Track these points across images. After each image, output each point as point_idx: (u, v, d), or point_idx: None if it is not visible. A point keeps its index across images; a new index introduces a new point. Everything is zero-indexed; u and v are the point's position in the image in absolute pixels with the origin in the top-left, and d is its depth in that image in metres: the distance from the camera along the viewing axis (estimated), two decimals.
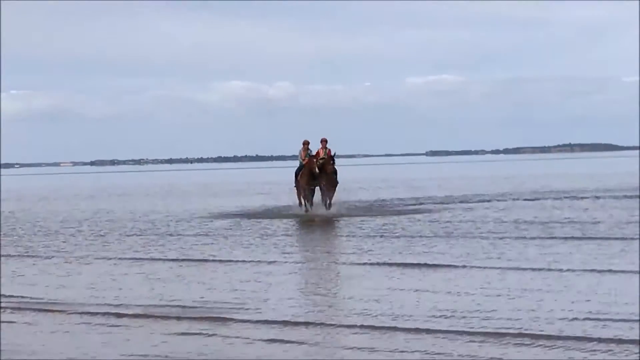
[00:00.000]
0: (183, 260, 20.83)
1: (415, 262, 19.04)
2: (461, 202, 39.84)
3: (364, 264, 19.31)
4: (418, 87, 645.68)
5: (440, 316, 12.94)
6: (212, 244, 24.46)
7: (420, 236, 24.47)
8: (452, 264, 18.56)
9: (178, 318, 13.45)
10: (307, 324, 12.69)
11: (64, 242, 26.12)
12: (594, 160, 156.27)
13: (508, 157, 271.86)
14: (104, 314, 14.06)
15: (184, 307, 14.36)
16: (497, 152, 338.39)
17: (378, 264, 19.05)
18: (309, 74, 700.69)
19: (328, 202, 34.34)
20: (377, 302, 14.25)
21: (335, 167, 34.36)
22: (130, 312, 14.10)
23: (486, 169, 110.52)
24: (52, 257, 22.29)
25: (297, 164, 35.49)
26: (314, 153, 34.55)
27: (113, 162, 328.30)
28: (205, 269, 19.21)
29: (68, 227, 31.86)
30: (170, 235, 27.23)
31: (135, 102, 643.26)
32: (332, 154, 34.39)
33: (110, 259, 21.49)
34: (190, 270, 19.08)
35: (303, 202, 34.58)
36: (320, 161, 34.09)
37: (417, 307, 13.75)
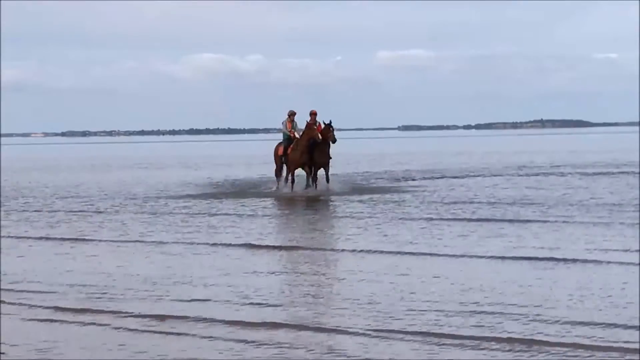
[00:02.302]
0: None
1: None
2: (453, 177, 39.41)
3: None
4: (389, 62, 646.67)
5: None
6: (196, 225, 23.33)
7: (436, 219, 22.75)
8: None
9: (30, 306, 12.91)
10: (157, 316, 12.04)
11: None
12: (569, 136, 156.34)
13: (480, 132, 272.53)
14: None
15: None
16: (469, 127, 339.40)
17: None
18: (281, 48, 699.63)
19: (325, 176, 31.39)
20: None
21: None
22: None
23: (463, 144, 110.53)
24: None
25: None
26: (299, 126, 31.64)
27: (84, 134, 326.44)
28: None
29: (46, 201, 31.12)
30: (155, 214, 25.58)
31: (107, 74, 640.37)
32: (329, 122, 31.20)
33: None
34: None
35: (289, 179, 31.62)
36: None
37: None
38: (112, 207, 27.79)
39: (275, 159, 32.60)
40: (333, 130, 31.09)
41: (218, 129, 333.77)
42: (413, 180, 38.01)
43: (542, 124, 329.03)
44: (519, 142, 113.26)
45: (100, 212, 26.08)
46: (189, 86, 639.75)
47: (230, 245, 18.64)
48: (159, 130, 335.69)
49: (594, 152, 68.76)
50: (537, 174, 40.11)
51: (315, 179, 31.50)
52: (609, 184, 33.27)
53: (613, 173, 39.50)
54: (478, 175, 39.87)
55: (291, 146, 31.52)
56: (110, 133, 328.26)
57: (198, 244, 19.00)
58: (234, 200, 29.27)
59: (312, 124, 31.23)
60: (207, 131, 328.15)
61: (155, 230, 21.47)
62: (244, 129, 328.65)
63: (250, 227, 21.76)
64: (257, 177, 40.12)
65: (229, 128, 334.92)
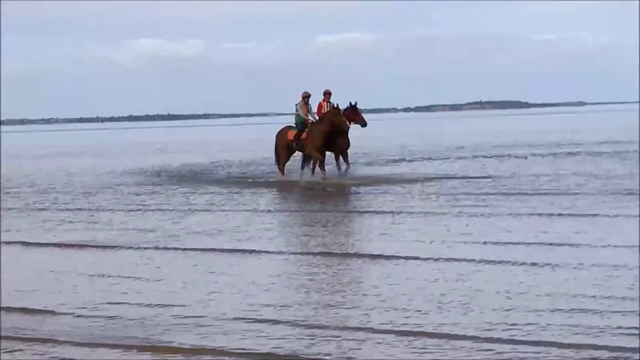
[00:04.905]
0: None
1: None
2: (427, 159, 39.27)
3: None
4: (329, 46, 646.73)
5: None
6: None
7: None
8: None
9: None
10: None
11: None
12: (513, 117, 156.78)
13: (421, 114, 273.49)
14: None
15: None
16: (408, 109, 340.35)
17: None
18: (221, 32, 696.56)
19: (346, 166, 29.28)
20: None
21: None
22: None
23: (412, 127, 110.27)
24: None
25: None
26: (314, 109, 29.63)
27: (22, 122, 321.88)
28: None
29: None
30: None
31: (43, 60, 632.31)
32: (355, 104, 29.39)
33: None
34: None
35: (311, 166, 29.34)
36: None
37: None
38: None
39: (279, 144, 30.11)
40: (361, 112, 29.43)
41: (158, 115, 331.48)
42: (381, 165, 37.51)
43: (481, 105, 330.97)
44: (467, 124, 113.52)
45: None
46: (128, 72, 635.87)
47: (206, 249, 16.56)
48: (98, 117, 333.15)
49: (545, 132, 69.00)
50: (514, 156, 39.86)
51: (339, 165, 29.48)
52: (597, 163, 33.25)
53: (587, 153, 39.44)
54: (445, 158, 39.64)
55: (305, 131, 29.27)
56: (48, 121, 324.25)
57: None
58: (230, 189, 27.68)
59: (320, 109, 29.43)
60: (147, 117, 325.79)
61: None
62: (184, 115, 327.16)
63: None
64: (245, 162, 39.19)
65: (168, 114, 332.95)
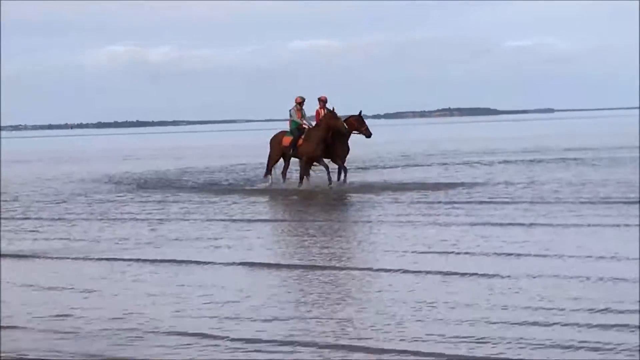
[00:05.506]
0: None
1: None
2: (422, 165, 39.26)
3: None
4: (300, 52, 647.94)
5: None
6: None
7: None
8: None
9: None
10: None
11: None
12: (487, 124, 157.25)
13: (391, 121, 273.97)
14: None
15: None
16: (378, 116, 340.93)
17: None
18: (192, 38, 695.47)
19: (343, 174, 28.51)
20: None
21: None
22: None
23: (382, 134, 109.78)
24: None
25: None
26: (308, 115, 29.01)
27: None
28: None
29: None
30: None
31: (11, 66, 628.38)
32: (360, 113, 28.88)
33: None
34: None
35: (303, 173, 28.55)
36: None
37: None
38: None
39: (273, 150, 29.29)
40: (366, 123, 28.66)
41: (127, 121, 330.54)
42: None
43: (450, 112, 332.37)
44: (437, 131, 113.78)
45: None
46: (97, 78, 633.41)
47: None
48: (66, 124, 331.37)
49: (516, 138, 69.17)
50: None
51: (339, 171, 28.49)
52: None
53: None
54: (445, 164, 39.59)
55: (302, 137, 28.64)
56: (16, 127, 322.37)
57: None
58: (225, 197, 27.09)
59: (318, 115, 28.72)
60: (116, 124, 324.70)
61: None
62: (154, 122, 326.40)
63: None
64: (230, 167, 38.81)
65: (137, 121, 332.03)
